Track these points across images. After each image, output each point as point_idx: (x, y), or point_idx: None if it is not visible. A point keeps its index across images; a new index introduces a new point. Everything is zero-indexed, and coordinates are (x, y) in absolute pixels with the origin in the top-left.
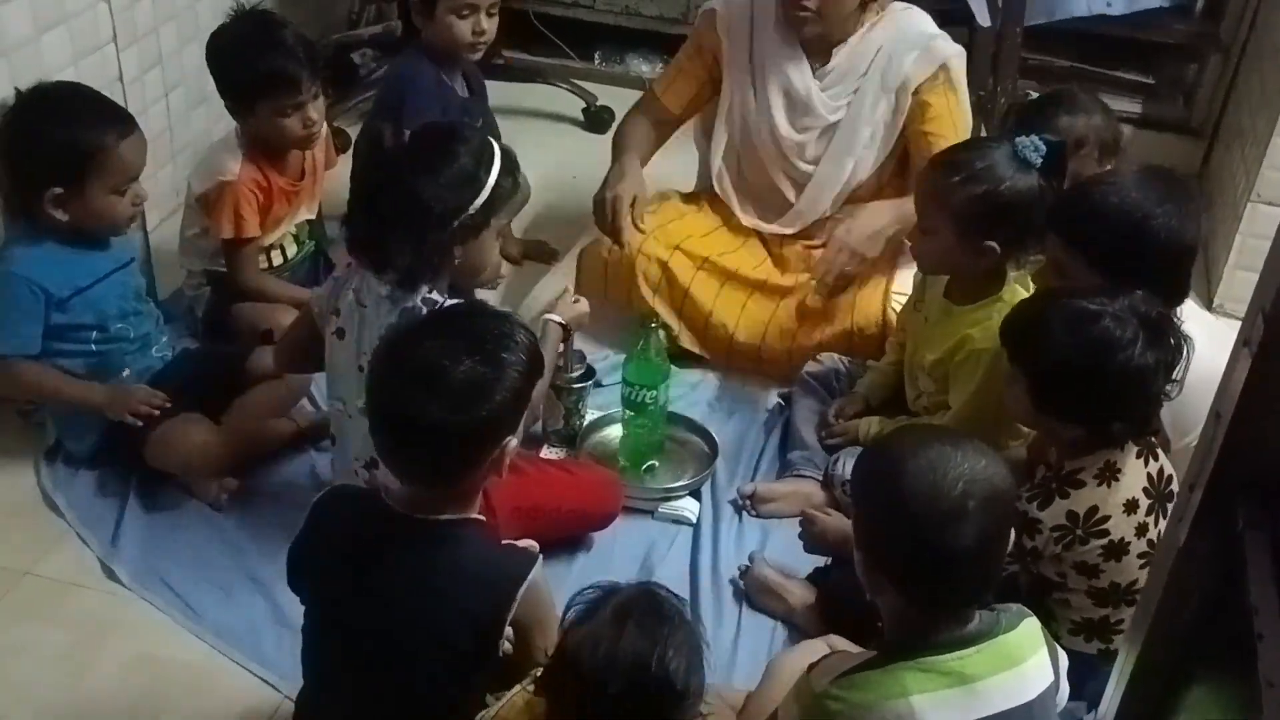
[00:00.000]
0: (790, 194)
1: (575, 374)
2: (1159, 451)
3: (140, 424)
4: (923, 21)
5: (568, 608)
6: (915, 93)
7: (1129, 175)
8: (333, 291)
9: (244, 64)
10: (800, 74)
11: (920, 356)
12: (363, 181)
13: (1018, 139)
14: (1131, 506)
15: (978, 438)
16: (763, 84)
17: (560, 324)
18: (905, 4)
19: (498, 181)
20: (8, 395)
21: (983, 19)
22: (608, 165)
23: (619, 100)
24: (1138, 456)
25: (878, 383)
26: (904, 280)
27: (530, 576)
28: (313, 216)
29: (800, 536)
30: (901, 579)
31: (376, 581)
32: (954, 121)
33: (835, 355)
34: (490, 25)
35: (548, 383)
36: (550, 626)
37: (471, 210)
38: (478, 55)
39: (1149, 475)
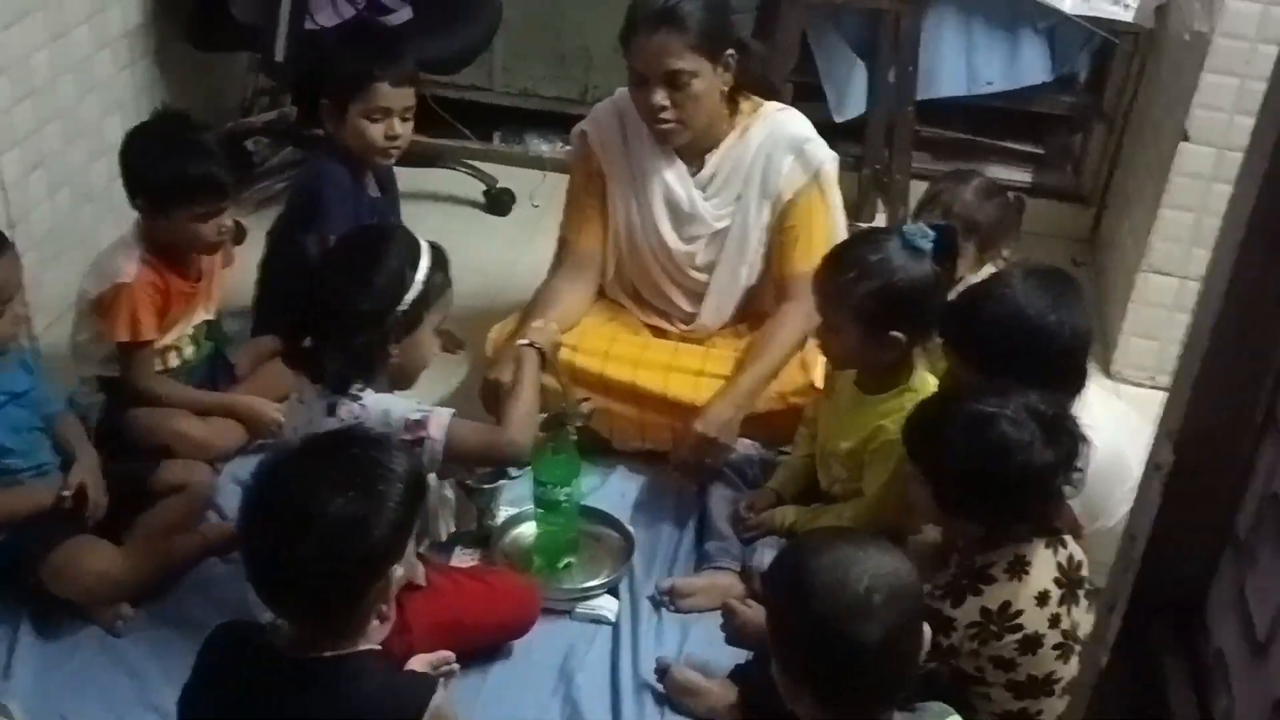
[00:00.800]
0: (684, 304)
1: (484, 474)
2: (1066, 539)
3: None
4: (798, 124)
5: None
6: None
7: (1012, 281)
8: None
9: (167, 167)
10: (680, 182)
11: (834, 444)
12: (289, 293)
13: (905, 228)
14: (1043, 598)
15: (893, 522)
16: (645, 195)
17: (538, 349)
18: (780, 105)
19: (428, 278)
20: None
21: (839, 115)
22: (509, 249)
23: (520, 182)
24: (1046, 546)
25: (789, 477)
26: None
27: (432, 704)
28: (210, 317)
29: (722, 628)
30: (812, 679)
31: None
32: (816, 221)
33: (748, 442)
34: (405, 130)
35: (534, 410)
36: None
37: (402, 308)
38: (390, 160)
39: (1059, 564)
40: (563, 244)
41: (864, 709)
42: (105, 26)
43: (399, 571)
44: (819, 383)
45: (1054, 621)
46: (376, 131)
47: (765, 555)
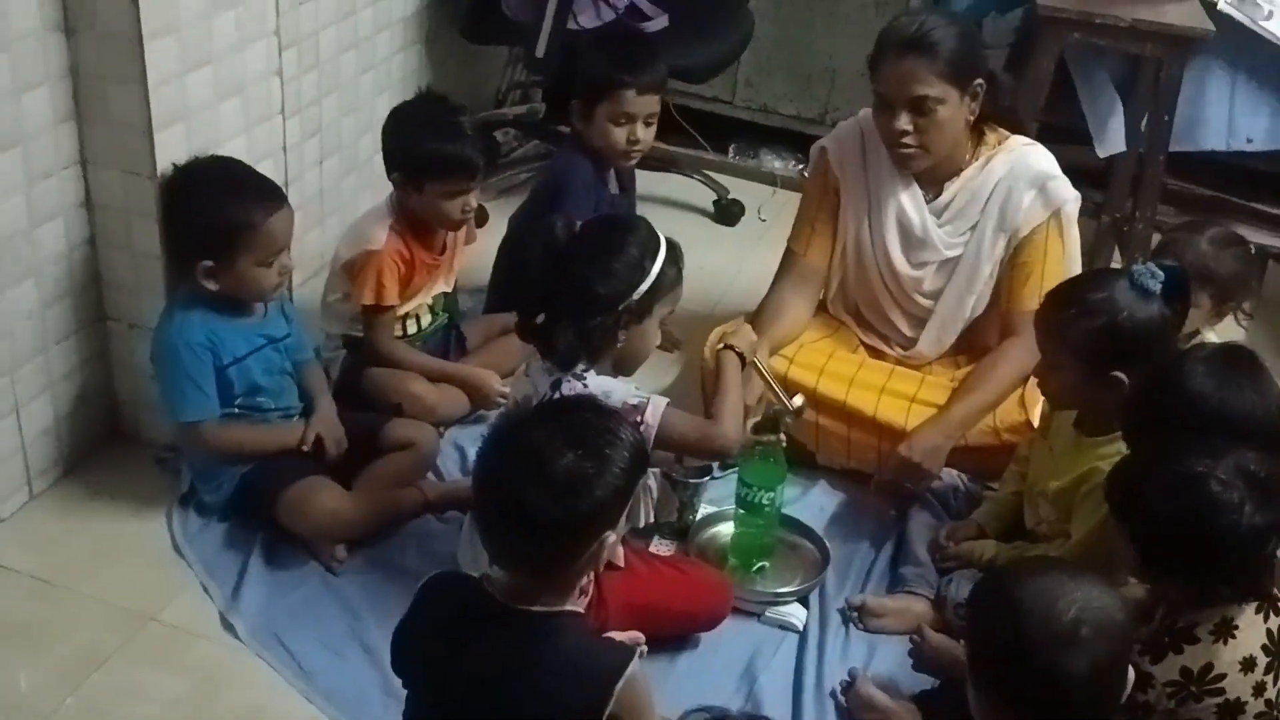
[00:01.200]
0: (906, 329)
1: (691, 468)
2: None
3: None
4: (1043, 160)
5: None
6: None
7: (1190, 371)
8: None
9: (424, 144)
10: (915, 207)
11: (1044, 484)
12: (534, 270)
13: (1134, 267)
14: (1248, 665)
15: (1099, 568)
16: (878, 215)
17: (737, 352)
18: (1028, 140)
19: (662, 270)
20: (209, 452)
21: (1102, 149)
22: (733, 258)
23: (750, 194)
24: (1257, 612)
25: (994, 512)
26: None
27: (628, 671)
28: (448, 289)
29: (910, 654)
30: (1011, 708)
31: (475, 670)
32: (1051, 259)
33: (955, 472)
34: (646, 135)
35: (739, 408)
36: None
37: (636, 296)
38: (631, 162)
39: (1268, 631)
40: (789, 256)
41: None
42: (388, 10)
43: (612, 538)
44: (1036, 421)
45: (1258, 690)
46: (620, 135)
47: (961, 587)
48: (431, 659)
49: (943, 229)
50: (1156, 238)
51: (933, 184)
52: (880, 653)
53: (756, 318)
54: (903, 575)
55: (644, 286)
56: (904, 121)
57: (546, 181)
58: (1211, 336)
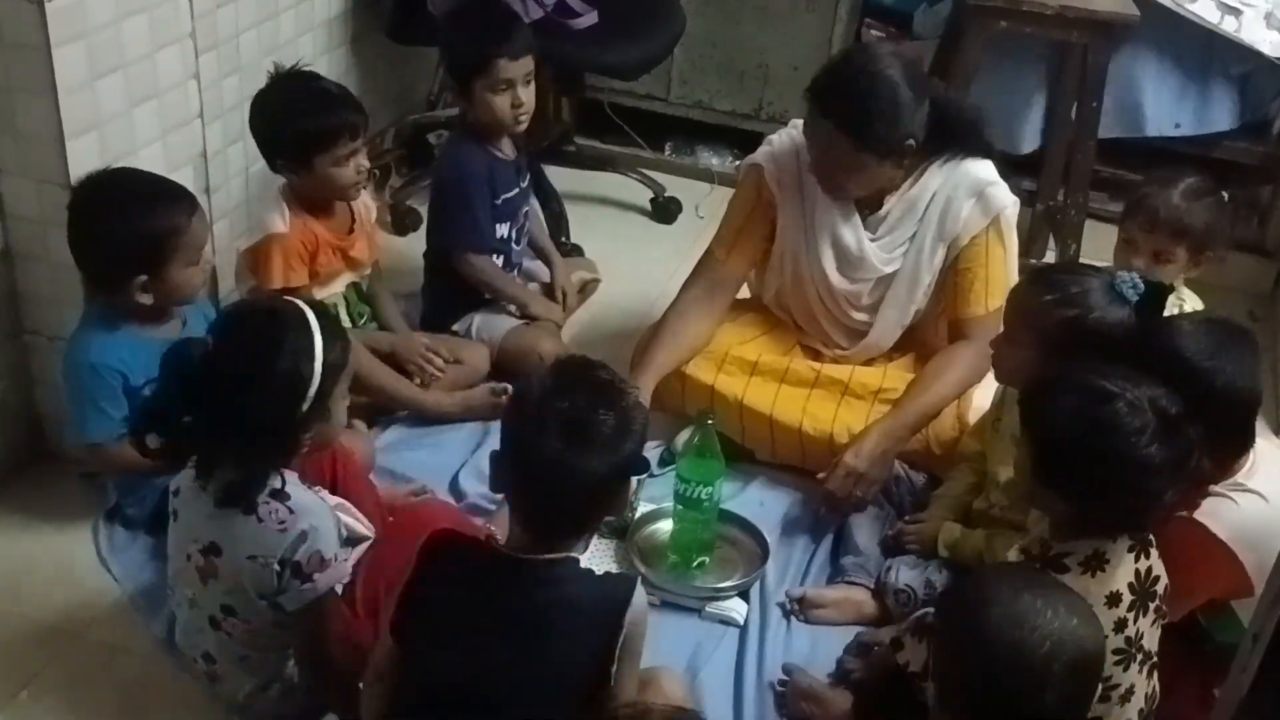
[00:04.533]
0: (842, 341)
1: None
2: (1152, 550)
3: None
4: (980, 168)
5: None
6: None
7: (1181, 327)
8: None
9: (301, 121)
10: (850, 228)
11: (995, 474)
12: (169, 398)
13: (1120, 273)
14: (1114, 600)
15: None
16: (813, 237)
17: None
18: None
19: (325, 360)
20: (110, 471)
21: (1011, 147)
22: (671, 256)
23: (687, 192)
24: (1129, 550)
25: (949, 509)
26: (981, 397)
27: (634, 597)
28: (359, 279)
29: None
30: None
31: (495, 623)
32: (994, 264)
33: (897, 461)
34: (527, 95)
35: None
36: (639, 659)
37: (306, 407)
38: (521, 127)
39: (1137, 571)
40: (709, 258)
41: None
42: (310, 12)
43: (634, 483)
44: (968, 422)
45: (1119, 626)
46: (504, 102)
47: (901, 572)
48: (446, 619)
49: (879, 243)
50: (1091, 225)
51: (871, 200)
52: (822, 644)
53: (661, 328)
54: (842, 566)
55: (312, 392)
56: (828, 173)
57: (437, 184)
58: (1186, 294)
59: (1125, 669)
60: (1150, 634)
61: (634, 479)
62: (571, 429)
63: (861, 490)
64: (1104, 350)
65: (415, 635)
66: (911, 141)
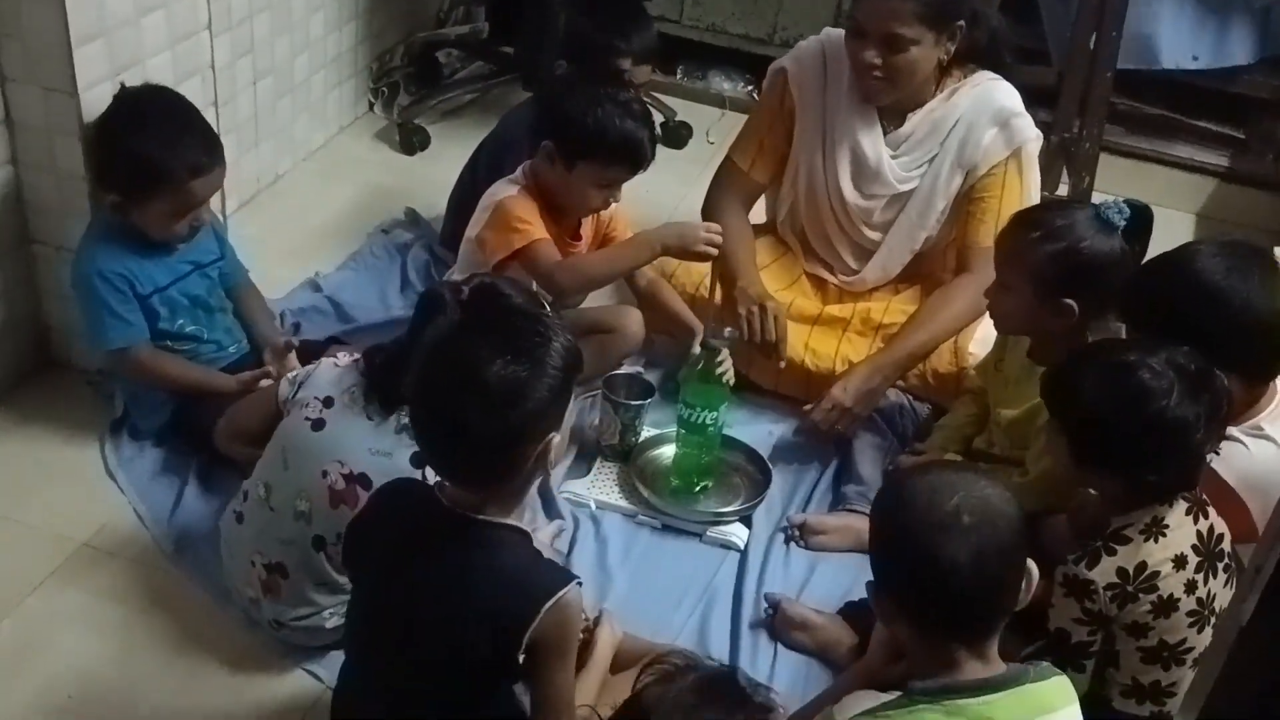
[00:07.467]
0: (851, 260)
1: (634, 391)
2: (1209, 509)
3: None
4: (1008, 96)
5: (643, 669)
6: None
7: (1201, 249)
8: (312, 378)
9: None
10: (871, 139)
11: (997, 415)
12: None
13: (1103, 201)
14: (1180, 562)
15: (1054, 502)
16: (832, 146)
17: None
18: (994, 75)
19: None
20: (140, 378)
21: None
22: (681, 182)
23: (698, 117)
24: (1187, 513)
25: (944, 446)
26: (983, 329)
27: (561, 595)
28: None
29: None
30: (901, 599)
31: (419, 571)
32: (1009, 196)
33: (900, 392)
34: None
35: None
36: (571, 663)
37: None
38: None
39: (1198, 532)
40: (731, 169)
41: (957, 634)
42: None
43: (556, 439)
44: (970, 371)
45: (1190, 588)
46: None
47: None
48: (380, 557)
49: (899, 161)
50: (1106, 159)
51: (895, 115)
52: (820, 570)
53: (735, 251)
54: (845, 494)
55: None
56: (874, 55)
57: (504, 135)
58: None
59: (1200, 630)
60: (1223, 594)
61: (554, 435)
62: (462, 375)
63: (843, 425)
64: (1109, 280)
65: (356, 566)
66: (962, 24)
